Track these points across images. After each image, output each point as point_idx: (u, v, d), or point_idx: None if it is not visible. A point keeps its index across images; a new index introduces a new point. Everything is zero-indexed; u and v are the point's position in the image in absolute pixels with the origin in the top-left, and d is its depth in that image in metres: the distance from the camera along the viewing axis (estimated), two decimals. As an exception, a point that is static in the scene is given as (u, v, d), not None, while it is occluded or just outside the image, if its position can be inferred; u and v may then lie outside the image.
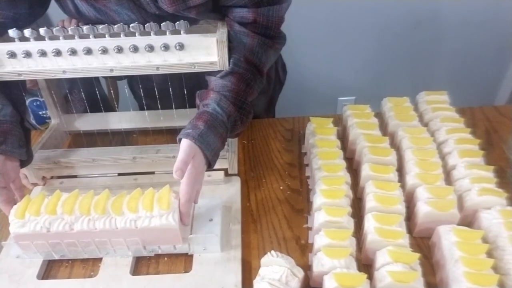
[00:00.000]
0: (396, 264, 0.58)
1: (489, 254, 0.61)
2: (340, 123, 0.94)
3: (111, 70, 0.70)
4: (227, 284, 0.63)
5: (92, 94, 1.03)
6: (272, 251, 0.62)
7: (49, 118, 0.94)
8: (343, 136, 0.91)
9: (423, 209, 0.67)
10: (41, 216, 0.65)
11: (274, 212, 0.77)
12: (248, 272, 0.66)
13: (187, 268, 0.67)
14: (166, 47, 0.68)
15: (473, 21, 1.72)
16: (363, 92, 1.89)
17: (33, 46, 0.68)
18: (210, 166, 0.69)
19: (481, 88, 1.94)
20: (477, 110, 1.01)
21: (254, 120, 1.01)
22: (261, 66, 0.74)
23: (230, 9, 0.72)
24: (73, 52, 0.68)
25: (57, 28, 0.66)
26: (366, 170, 0.75)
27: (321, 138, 0.82)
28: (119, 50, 0.68)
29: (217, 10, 0.73)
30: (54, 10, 0.80)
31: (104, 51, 0.68)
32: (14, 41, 0.67)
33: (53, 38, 0.67)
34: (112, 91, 1.33)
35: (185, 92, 0.82)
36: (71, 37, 0.68)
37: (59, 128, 0.93)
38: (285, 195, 0.80)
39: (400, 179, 0.75)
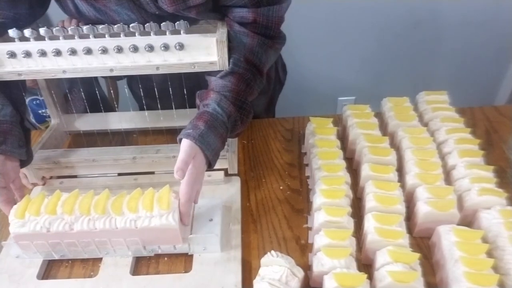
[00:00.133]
0: (396, 264, 0.58)
1: (489, 254, 0.61)
2: (340, 123, 0.94)
3: (111, 70, 0.70)
4: (227, 284, 0.63)
5: (92, 94, 1.03)
6: (272, 251, 0.62)
7: (49, 116, 0.94)
8: (343, 136, 0.91)
9: (423, 209, 0.67)
10: (41, 216, 0.65)
11: (274, 212, 0.77)
12: (248, 272, 0.66)
13: (187, 268, 0.67)
14: (166, 47, 0.68)
15: (473, 21, 1.72)
16: (363, 92, 1.89)
17: (33, 46, 0.68)
18: (210, 166, 0.69)
19: (481, 88, 1.94)
20: (477, 110, 1.01)
21: (254, 120, 1.01)
22: (261, 66, 0.74)
23: (230, 9, 0.72)
24: (73, 52, 0.68)
25: (57, 28, 0.66)
26: (366, 170, 0.75)
27: (321, 138, 0.82)
28: (119, 50, 0.68)
29: (217, 10, 0.73)
30: (54, 10, 0.80)
31: (104, 51, 0.68)
32: (14, 41, 0.67)
33: (53, 38, 0.68)
34: (112, 91, 1.33)
35: (185, 92, 0.83)
36: (71, 37, 0.68)
37: (59, 128, 0.93)
38: (285, 195, 0.80)
39: (400, 179, 0.75)
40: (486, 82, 1.94)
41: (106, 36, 0.68)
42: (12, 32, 0.66)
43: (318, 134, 0.83)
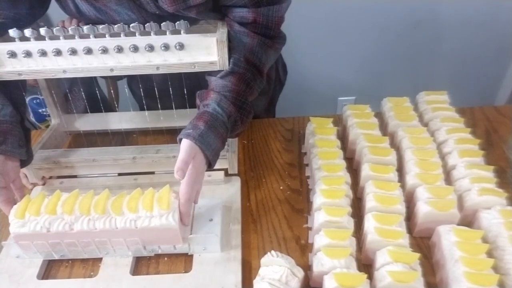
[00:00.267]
0: (396, 264, 0.58)
1: (489, 254, 0.61)
2: (340, 123, 0.94)
3: (111, 70, 0.70)
4: (227, 284, 0.63)
5: (92, 94, 1.03)
6: (272, 251, 0.62)
7: (49, 116, 0.94)
8: (343, 136, 0.91)
9: (423, 209, 0.67)
10: (41, 216, 0.65)
11: (274, 212, 0.77)
12: (248, 272, 0.66)
13: (187, 268, 0.67)
14: (166, 47, 0.68)
15: (473, 21, 1.72)
16: (363, 92, 1.89)
17: (34, 46, 0.68)
18: (210, 166, 0.69)
19: (481, 88, 1.94)
20: (477, 110, 1.01)
21: (254, 120, 1.01)
22: (261, 66, 0.74)
23: (230, 9, 0.72)
24: (73, 52, 0.68)
25: (57, 28, 0.66)
26: (366, 170, 0.75)
27: (321, 138, 0.82)
28: (119, 50, 0.68)
29: (217, 10, 0.73)
30: (54, 10, 0.80)
31: (104, 50, 0.68)
32: (14, 41, 0.67)
33: (53, 38, 0.68)
34: (112, 91, 1.33)
35: (185, 92, 0.83)
36: (71, 37, 0.68)
37: (59, 128, 0.93)
38: (285, 195, 0.80)
39: (400, 179, 0.75)
40: (486, 82, 1.94)
41: (107, 36, 0.68)
42: (12, 32, 0.66)
43: (318, 134, 0.83)
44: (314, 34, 1.73)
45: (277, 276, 0.59)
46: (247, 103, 0.72)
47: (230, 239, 0.71)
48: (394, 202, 0.68)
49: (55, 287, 0.65)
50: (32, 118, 1.14)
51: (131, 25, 0.67)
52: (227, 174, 0.83)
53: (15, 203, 0.67)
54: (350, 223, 0.66)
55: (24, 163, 0.74)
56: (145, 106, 0.97)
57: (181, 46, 0.68)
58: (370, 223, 0.65)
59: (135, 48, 0.68)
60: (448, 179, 0.75)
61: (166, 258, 0.69)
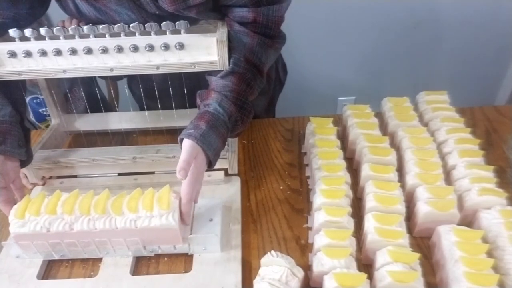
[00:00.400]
0: (396, 264, 0.58)
1: (489, 254, 0.61)
2: (340, 123, 0.94)
3: (111, 70, 0.70)
4: (227, 284, 0.63)
5: (92, 94, 1.03)
6: (272, 251, 0.62)
7: (49, 115, 0.94)
8: (343, 136, 0.91)
9: (423, 209, 0.67)
10: (41, 216, 0.65)
11: (274, 212, 0.77)
12: (248, 272, 0.66)
13: (187, 268, 0.67)
14: (166, 47, 0.68)
15: (473, 21, 1.72)
16: (363, 92, 1.89)
17: (34, 45, 0.68)
18: (210, 166, 0.69)
19: (481, 88, 1.94)
20: (477, 110, 1.01)
21: (254, 120, 1.01)
22: (261, 66, 0.74)
23: (230, 8, 0.72)
24: (74, 51, 0.68)
25: (57, 28, 0.66)
26: (366, 170, 0.75)
27: (321, 138, 0.82)
28: (119, 49, 0.68)
29: (217, 9, 0.73)
30: (54, 10, 0.80)
31: (104, 50, 0.68)
32: (14, 40, 0.67)
33: (53, 38, 0.68)
34: (112, 92, 1.33)
35: (185, 92, 0.83)
36: (72, 36, 0.68)
37: (59, 128, 0.93)
38: (285, 195, 0.80)
39: (400, 179, 0.75)
40: (486, 82, 1.94)
41: (107, 35, 0.68)
42: (12, 32, 0.66)
43: (318, 134, 0.83)
44: (314, 34, 1.73)
45: (277, 276, 0.59)
46: (248, 102, 0.72)
47: (230, 239, 0.71)
48: (394, 202, 0.68)
49: (55, 287, 0.65)
50: (32, 118, 1.14)
51: (131, 25, 0.67)
52: (227, 174, 0.83)
53: (15, 203, 0.67)
54: (350, 223, 0.66)
55: (23, 163, 0.74)
56: (145, 106, 0.97)
57: (181, 46, 0.68)
58: (370, 223, 0.65)
59: (135, 48, 0.68)
60: (448, 179, 0.75)
61: (166, 258, 0.69)
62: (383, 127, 0.91)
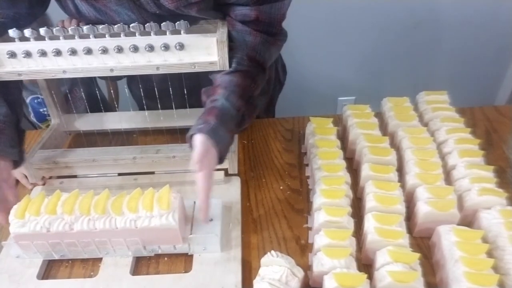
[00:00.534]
0: (396, 264, 0.58)
1: (489, 254, 0.61)
2: (340, 123, 0.94)
3: (111, 70, 0.70)
4: (227, 284, 0.63)
5: (92, 95, 1.03)
6: (272, 251, 0.62)
7: (49, 115, 0.94)
8: (343, 136, 0.91)
9: (423, 209, 0.67)
10: (41, 216, 0.65)
11: (274, 212, 0.77)
12: (248, 272, 0.66)
13: (187, 268, 0.67)
14: (166, 47, 0.68)
15: (473, 21, 1.72)
16: (363, 92, 1.89)
17: (33, 46, 0.68)
18: (220, 161, 0.69)
19: (481, 88, 1.94)
20: (477, 110, 1.01)
21: (254, 120, 1.01)
22: (264, 63, 0.75)
23: (232, 7, 0.72)
24: (73, 52, 0.68)
25: (57, 28, 0.66)
26: (366, 170, 0.75)
27: (321, 138, 0.82)
28: (119, 50, 0.68)
29: (218, 8, 0.73)
30: (54, 10, 0.80)
31: (104, 51, 0.68)
32: (14, 41, 0.67)
33: (53, 38, 0.67)
34: (112, 92, 1.33)
35: (185, 92, 0.82)
36: (71, 37, 0.68)
37: (59, 128, 0.93)
38: (285, 195, 0.80)
39: (400, 179, 0.75)
40: (486, 82, 1.94)
41: (106, 36, 0.68)
42: (12, 32, 0.66)
43: (318, 134, 0.83)
44: (314, 34, 1.73)
45: (277, 276, 0.59)
46: (253, 97, 0.73)
47: (230, 239, 0.71)
48: (394, 202, 0.68)
49: (55, 287, 0.66)
50: (33, 118, 1.14)
51: (131, 25, 0.67)
52: (227, 174, 0.83)
53: (7, 203, 0.67)
54: (350, 223, 0.66)
55: (16, 163, 0.74)
56: (145, 107, 0.97)
57: (181, 46, 0.68)
58: (370, 223, 0.65)
59: (135, 48, 0.68)
60: (448, 179, 0.75)
61: (166, 258, 0.69)
62: (383, 127, 0.91)
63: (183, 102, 0.86)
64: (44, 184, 0.83)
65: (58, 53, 0.68)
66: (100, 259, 0.69)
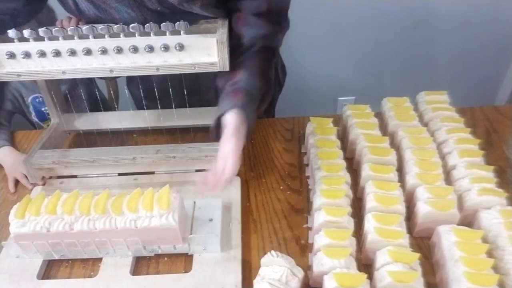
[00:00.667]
0: (396, 264, 0.58)
1: (489, 254, 0.61)
2: (340, 123, 0.94)
3: (111, 71, 0.70)
4: (227, 284, 0.63)
5: (91, 95, 1.03)
6: (272, 251, 0.62)
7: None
8: (343, 136, 0.91)
9: (423, 209, 0.67)
10: (41, 216, 0.65)
11: (274, 212, 0.77)
12: (248, 272, 0.66)
13: (187, 268, 0.67)
14: (166, 48, 0.68)
15: (473, 21, 1.72)
16: (363, 92, 1.88)
17: (32, 46, 0.67)
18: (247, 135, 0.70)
19: (481, 88, 1.93)
20: (477, 110, 1.01)
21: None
22: (276, 49, 0.78)
23: (241, 2, 0.73)
24: (73, 52, 0.68)
25: (56, 28, 0.66)
26: (366, 170, 0.75)
27: (321, 138, 0.82)
28: (119, 50, 0.68)
29: (220, 5, 0.73)
30: (59, 8, 0.80)
31: (104, 51, 0.68)
32: (13, 41, 0.67)
33: (52, 38, 0.67)
34: (112, 92, 1.33)
35: (185, 92, 0.82)
36: (71, 37, 0.67)
37: (59, 128, 0.93)
38: (285, 195, 0.80)
39: (400, 179, 0.75)
40: (486, 82, 1.94)
41: (106, 36, 0.67)
42: (11, 33, 0.66)
43: (318, 134, 0.83)
44: (314, 34, 1.73)
45: (277, 276, 0.59)
46: (271, 78, 0.76)
47: (230, 239, 0.71)
48: (394, 202, 0.68)
49: (55, 287, 0.66)
50: (34, 117, 1.14)
51: (130, 25, 0.66)
52: (227, 174, 0.83)
53: None
54: (350, 223, 0.66)
55: None
56: (144, 107, 0.97)
57: (181, 47, 0.68)
58: (370, 223, 0.65)
59: (135, 49, 0.68)
60: (448, 179, 0.75)
61: (166, 258, 0.69)
62: (383, 127, 0.91)
63: (183, 101, 0.86)
64: (44, 184, 0.83)
65: (57, 53, 0.68)
66: (100, 259, 0.69)
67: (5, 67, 0.70)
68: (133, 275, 0.67)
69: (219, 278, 0.64)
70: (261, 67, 0.74)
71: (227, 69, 0.71)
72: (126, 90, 1.07)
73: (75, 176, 0.84)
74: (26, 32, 0.66)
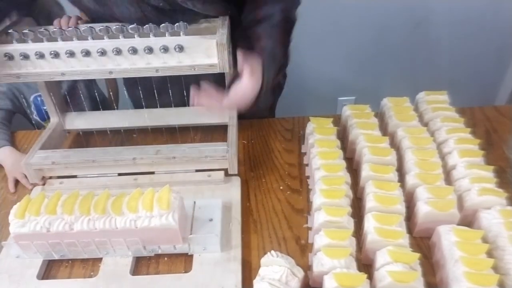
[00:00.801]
0: (396, 264, 0.58)
1: (489, 254, 0.61)
2: (340, 123, 0.94)
3: (110, 73, 0.69)
4: (227, 284, 0.63)
5: (91, 94, 1.03)
6: (272, 251, 0.62)
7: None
8: (343, 136, 0.91)
9: (423, 209, 0.67)
10: (41, 216, 0.65)
11: (274, 212, 0.77)
12: (248, 272, 0.66)
13: (187, 268, 0.67)
14: (165, 49, 0.68)
15: (474, 21, 1.72)
16: (363, 92, 1.88)
17: (31, 48, 0.67)
18: (259, 96, 0.69)
19: (481, 88, 1.93)
20: (477, 110, 1.01)
21: (254, 120, 1.01)
22: (294, 23, 0.80)
23: None
24: (71, 54, 0.67)
25: (54, 29, 0.66)
26: (366, 170, 0.75)
27: (321, 138, 0.82)
28: (118, 52, 0.67)
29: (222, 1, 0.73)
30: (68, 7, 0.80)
31: (103, 53, 0.67)
32: (12, 42, 0.67)
33: (50, 39, 0.67)
34: (111, 93, 1.33)
35: (185, 92, 0.82)
36: (69, 38, 0.67)
37: (58, 127, 0.93)
38: (285, 195, 0.80)
39: (400, 179, 0.75)
40: (486, 82, 1.94)
41: (105, 37, 0.67)
42: (9, 34, 0.65)
43: (318, 134, 0.83)
44: (314, 34, 1.73)
45: (277, 276, 0.59)
46: (288, 49, 0.77)
47: (230, 239, 0.71)
48: (394, 202, 0.68)
49: (55, 287, 0.66)
50: (35, 116, 1.14)
51: (129, 26, 0.66)
52: (227, 174, 0.83)
53: None
54: (350, 223, 0.66)
55: None
56: (143, 106, 0.97)
57: (180, 48, 0.68)
58: (370, 223, 0.65)
59: (134, 50, 0.67)
60: (448, 179, 0.75)
61: (166, 258, 0.70)
62: (383, 127, 0.91)
63: (181, 100, 0.85)
64: (44, 184, 0.83)
65: (56, 55, 0.67)
66: (100, 259, 0.69)
67: (4, 69, 0.69)
68: (133, 275, 0.67)
69: (219, 278, 0.64)
70: (282, 37, 0.74)
71: (227, 70, 0.70)
72: (125, 92, 1.07)
73: (75, 176, 0.84)
74: (24, 33, 0.65)
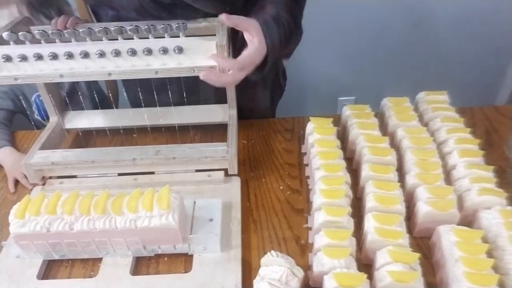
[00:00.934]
0: (396, 264, 0.58)
1: (489, 254, 0.61)
2: (340, 123, 0.94)
3: (109, 74, 0.69)
4: (227, 284, 0.64)
5: (91, 94, 1.03)
6: (272, 251, 0.62)
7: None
8: (343, 136, 0.91)
9: (423, 209, 0.67)
10: (41, 216, 0.65)
11: (274, 212, 0.77)
12: (248, 272, 0.66)
13: (187, 268, 0.67)
14: (164, 51, 0.67)
15: (474, 21, 1.72)
16: (363, 92, 1.89)
17: (29, 49, 0.67)
18: (264, 66, 0.68)
19: (481, 88, 1.94)
20: (477, 110, 1.01)
21: (254, 120, 1.01)
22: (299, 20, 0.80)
23: None
24: (70, 55, 0.67)
25: (52, 31, 0.66)
26: (366, 170, 0.75)
27: (321, 138, 0.82)
28: (117, 53, 0.67)
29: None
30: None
31: (102, 54, 0.67)
32: (9, 44, 0.66)
33: (49, 41, 0.67)
34: (110, 93, 1.33)
35: (184, 93, 0.82)
36: (68, 40, 0.67)
37: (58, 126, 0.93)
38: (285, 195, 0.80)
39: (400, 179, 0.75)
40: (486, 82, 1.94)
41: (103, 39, 0.67)
42: (6, 35, 0.65)
43: (318, 134, 0.83)
44: (314, 34, 1.72)
45: (277, 276, 0.59)
46: (298, 20, 0.78)
47: (230, 239, 0.71)
48: (394, 202, 0.68)
49: (55, 287, 0.66)
50: (37, 116, 1.13)
51: (128, 27, 0.66)
52: (227, 174, 0.83)
53: None
54: (350, 223, 0.66)
55: None
56: (142, 105, 0.96)
57: (180, 50, 0.67)
58: (370, 223, 0.65)
59: (133, 52, 0.67)
60: (448, 179, 0.75)
61: (166, 258, 0.70)
62: (383, 127, 0.91)
63: (181, 100, 0.85)
64: (44, 184, 0.83)
65: (54, 57, 0.67)
66: (100, 259, 0.69)
67: (2, 71, 0.69)
68: (133, 275, 0.67)
69: (219, 278, 0.64)
70: (289, 6, 0.74)
71: (227, 72, 0.70)
72: (124, 94, 1.07)
73: (75, 176, 0.84)
74: (21, 35, 0.65)
